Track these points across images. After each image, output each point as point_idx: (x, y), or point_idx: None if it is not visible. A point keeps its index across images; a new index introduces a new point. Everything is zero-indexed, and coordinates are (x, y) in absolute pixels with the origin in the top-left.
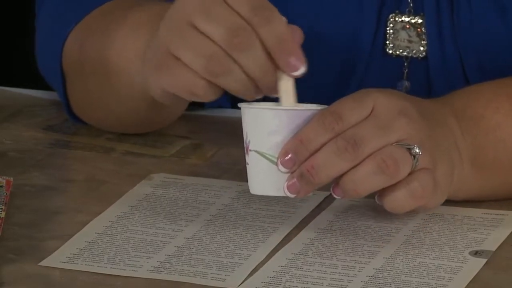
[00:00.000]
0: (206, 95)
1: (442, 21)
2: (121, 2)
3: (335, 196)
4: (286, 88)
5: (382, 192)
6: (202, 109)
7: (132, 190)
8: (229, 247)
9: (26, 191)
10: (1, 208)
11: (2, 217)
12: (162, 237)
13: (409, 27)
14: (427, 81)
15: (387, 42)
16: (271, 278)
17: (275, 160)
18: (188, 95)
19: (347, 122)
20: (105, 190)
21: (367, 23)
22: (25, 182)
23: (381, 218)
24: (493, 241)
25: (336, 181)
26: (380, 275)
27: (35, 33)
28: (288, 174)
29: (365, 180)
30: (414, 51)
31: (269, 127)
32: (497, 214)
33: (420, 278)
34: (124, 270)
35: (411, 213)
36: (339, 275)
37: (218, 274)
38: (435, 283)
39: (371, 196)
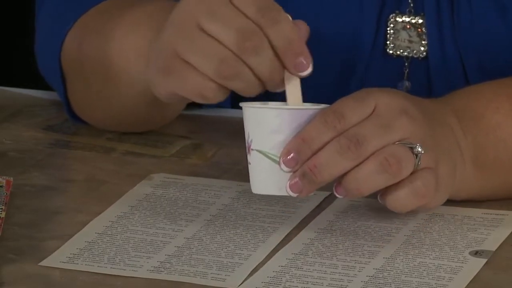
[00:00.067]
0: (215, 97)
1: (443, 21)
2: (118, 0)
3: (337, 195)
4: (293, 87)
5: (385, 191)
6: (201, 109)
7: (132, 190)
8: (229, 247)
9: (26, 191)
10: (1, 208)
11: (2, 217)
12: (162, 237)
13: (409, 27)
14: (427, 81)
15: (388, 42)
16: (271, 278)
17: (277, 159)
18: (197, 97)
19: (349, 121)
20: (105, 190)
21: (367, 23)
22: (25, 182)
23: (381, 218)
24: (493, 241)
25: (339, 180)
26: (380, 275)
27: (35, 33)
28: (290, 174)
29: (368, 179)
30: (414, 51)
31: (271, 126)
32: (497, 214)
33: (420, 278)
34: (124, 270)
35: (411, 213)
36: (339, 275)
37: (218, 274)
38: (435, 283)
39: (372, 196)
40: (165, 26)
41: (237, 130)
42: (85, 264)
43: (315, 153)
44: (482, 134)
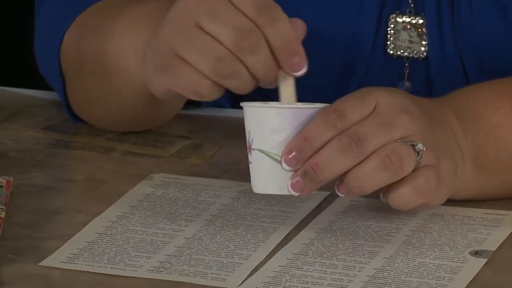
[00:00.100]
0: (210, 94)
1: (443, 22)
2: None
3: (339, 194)
4: (287, 86)
5: (387, 189)
6: (200, 108)
7: (132, 190)
8: (229, 247)
9: (26, 191)
10: (1, 208)
11: (2, 217)
12: (162, 237)
13: (410, 28)
14: (428, 81)
15: (388, 42)
16: (271, 278)
17: (279, 158)
18: (192, 95)
19: (349, 119)
20: (105, 190)
21: (367, 23)
22: (25, 182)
23: (381, 218)
24: (493, 241)
25: (340, 179)
26: (380, 275)
27: (35, 33)
28: (291, 173)
29: (370, 176)
30: (415, 52)
31: (272, 125)
32: (497, 214)
33: (420, 278)
34: (124, 270)
35: (412, 213)
36: (339, 275)
37: (218, 274)
38: (435, 283)
39: (372, 196)
40: (163, 24)
41: (237, 130)
42: (85, 264)
43: (316, 152)
44: (482, 134)
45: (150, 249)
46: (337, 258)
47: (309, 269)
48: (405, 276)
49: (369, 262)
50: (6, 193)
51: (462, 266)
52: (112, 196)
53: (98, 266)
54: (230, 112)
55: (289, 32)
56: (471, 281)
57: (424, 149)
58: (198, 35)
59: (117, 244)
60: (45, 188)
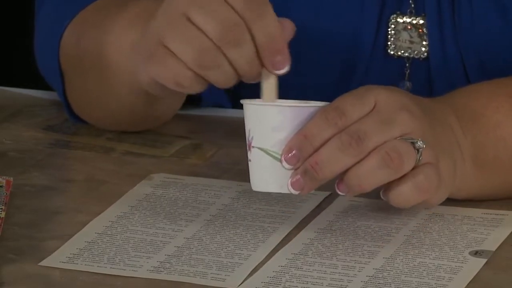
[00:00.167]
0: (191, 86)
1: (444, 22)
2: None
3: (339, 192)
4: (269, 84)
5: (387, 187)
6: (200, 108)
7: (132, 190)
8: (229, 247)
9: (26, 191)
10: (1, 208)
11: (2, 217)
12: (162, 237)
13: (410, 28)
14: (428, 81)
15: (389, 43)
16: (271, 278)
17: (279, 156)
18: (174, 85)
19: (350, 117)
20: (105, 190)
21: (368, 24)
22: (25, 182)
23: (381, 218)
24: (493, 241)
25: (340, 177)
26: (380, 275)
27: (35, 33)
28: (291, 171)
29: (370, 174)
30: (415, 52)
31: (272, 123)
32: (497, 214)
33: (420, 278)
34: (124, 270)
35: (411, 213)
36: (339, 275)
37: (218, 274)
38: (435, 283)
39: (372, 196)
40: (155, 15)
41: (236, 130)
42: (85, 264)
43: (316, 150)
44: (482, 133)
45: (150, 249)
46: (337, 258)
47: (309, 269)
48: (405, 276)
49: (369, 262)
50: (6, 193)
51: (462, 266)
52: (112, 196)
53: (98, 266)
54: (230, 112)
55: (275, 29)
56: (471, 281)
57: (424, 146)
58: (184, 26)
59: (117, 244)
60: (45, 188)
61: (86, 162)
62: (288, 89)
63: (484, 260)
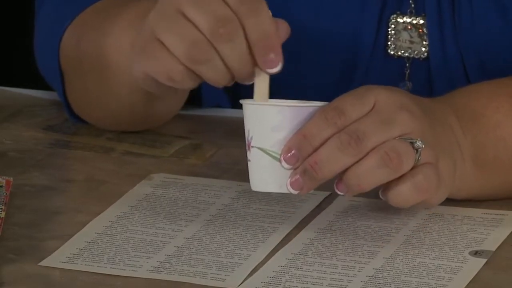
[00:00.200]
0: (183, 81)
1: (444, 22)
2: None
3: (338, 192)
4: (261, 83)
5: (386, 186)
6: (200, 107)
7: (132, 190)
8: (229, 247)
9: (26, 191)
10: (1, 208)
11: (2, 217)
12: (162, 237)
13: (410, 28)
14: (428, 81)
15: (389, 43)
16: (271, 278)
17: (278, 156)
18: (165, 79)
19: (349, 117)
20: (105, 190)
21: (368, 24)
22: (25, 182)
23: (381, 218)
24: (493, 241)
25: (339, 177)
26: (380, 275)
27: (34, 33)
28: (291, 171)
29: (369, 174)
30: (415, 52)
31: (272, 123)
32: (497, 214)
33: (420, 278)
34: (124, 270)
35: (411, 213)
36: (339, 275)
37: (218, 274)
38: (435, 283)
39: (372, 196)
40: (152, 11)
41: (236, 130)
42: (85, 264)
43: (316, 149)
44: (482, 133)
45: (150, 249)
46: (336, 258)
47: (309, 269)
48: (405, 276)
49: (369, 262)
50: (6, 193)
51: (462, 266)
52: (112, 196)
53: (97, 266)
54: (230, 112)
55: (268, 26)
56: (471, 281)
57: (423, 146)
58: (178, 20)
59: (117, 244)
60: (45, 188)
61: (86, 162)
62: (288, 89)
63: (484, 260)
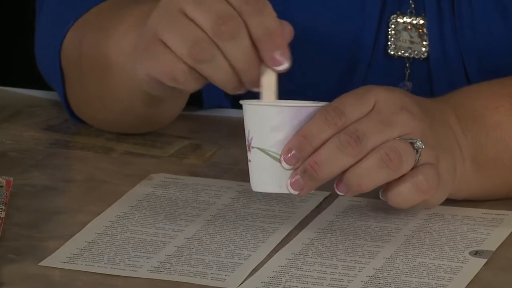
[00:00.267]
0: (187, 81)
1: (444, 22)
2: (118, 0)
3: (338, 192)
4: (269, 82)
5: (387, 187)
6: (201, 109)
7: (132, 190)
8: (229, 247)
9: (26, 191)
10: (1, 208)
11: (2, 217)
12: (162, 237)
13: (410, 28)
14: (428, 82)
15: (389, 43)
16: (271, 278)
17: (278, 157)
18: (169, 79)
19: (349, 117)
20: (105, 190)
21: (368, 24)
22: (25, 182)
23: (381, 218)
24: (493, 241)
25: (340, 178)
26: (380, 275)
27: (35, 33)
28: (291, 171)
29: (369, 174)
30: (415, 52)
31: (272, 123)
32: (497, 214)
33: (420, 278)
34: (124, 270)
35: (411, 213)
36: (339, 275)
37: (218, 274)
38: (435, 283)
39: (372, 196)
40: (153, 11)
41: (236, 130)
42: (85, 264)
43: (316, 150)
44: (482, 133)
45: (150, 249)
46: (337, 258)
47: (309, 269)
48: (405, 276)
49: (369, 262)
50: (6, 193)
51: (462, 266)
52: (112, 196)
53: (98, 266)
54: (230, 112)
55: (273, 24)
56: (471, 281)
57: (423, 146)
58: (179, 20)
59: (117, 244)
60: (45, 188)
61: (86, 162)
62: (289, 89)
63: (484, 260)
